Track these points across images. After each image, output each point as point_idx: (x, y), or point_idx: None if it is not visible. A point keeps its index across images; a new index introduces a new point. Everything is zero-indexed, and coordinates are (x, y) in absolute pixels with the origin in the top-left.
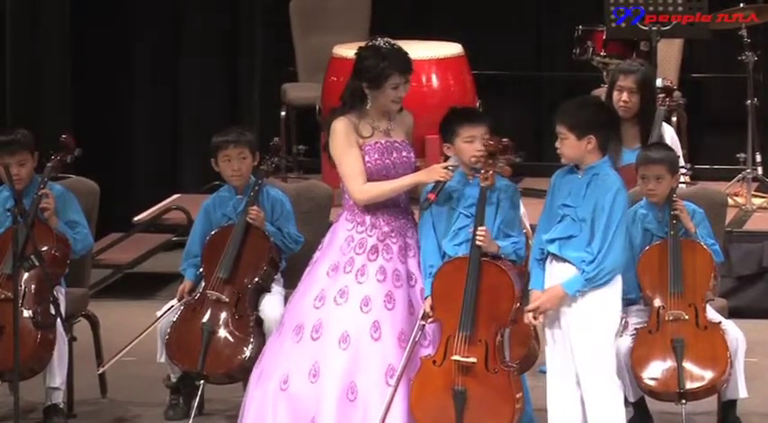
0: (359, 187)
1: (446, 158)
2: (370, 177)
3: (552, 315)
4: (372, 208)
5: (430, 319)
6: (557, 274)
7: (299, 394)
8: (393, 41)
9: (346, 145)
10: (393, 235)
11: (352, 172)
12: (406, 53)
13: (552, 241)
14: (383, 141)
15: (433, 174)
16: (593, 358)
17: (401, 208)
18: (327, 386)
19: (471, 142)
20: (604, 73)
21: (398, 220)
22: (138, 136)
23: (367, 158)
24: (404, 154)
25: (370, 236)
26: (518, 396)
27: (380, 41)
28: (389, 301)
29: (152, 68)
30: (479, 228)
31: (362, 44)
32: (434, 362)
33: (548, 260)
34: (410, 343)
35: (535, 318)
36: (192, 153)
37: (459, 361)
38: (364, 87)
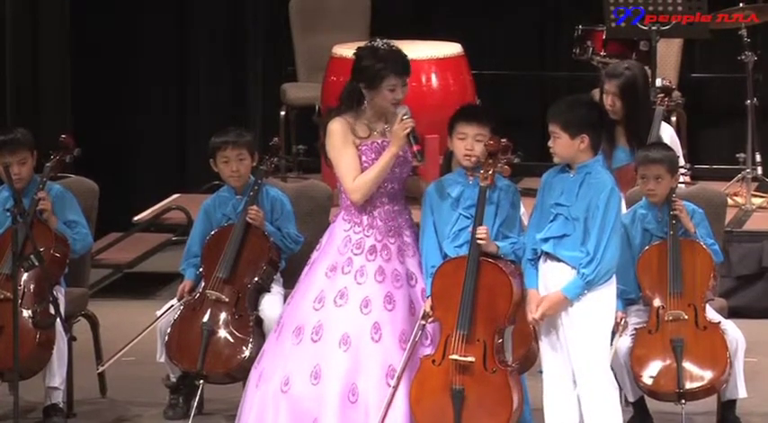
0: (351, 185)
1: (447, 156)
2: None
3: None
4: (369, 208)
5: (430, 319)
6: (551, 274)
7: (300, 396)
8: (392, 43)
9: (342, 145)
10: (391, 235)
11: (347, 172)
12: (405, 55)
13: (546, 240)
14: (379, 141)
15: (399, 133)
16: (589, 357)
17: (398, 208)
18: (329, 388)
19: (462, 139)
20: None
21: (396, 220)
22: (138, 136)
23: (364, 158)
24: (399, 153)
25: (368, 236)
26: (516, 396)
27: (379, 42)
28: (389, 302)
29: (151, 69)
30: (479, 227)
31: (361, 45)
32: (433, 361)
33: (541, 259)
34: (410, 343)
35: (537, 323)
36: (193, 153)
37: (457, 360)
38: (361, 88)
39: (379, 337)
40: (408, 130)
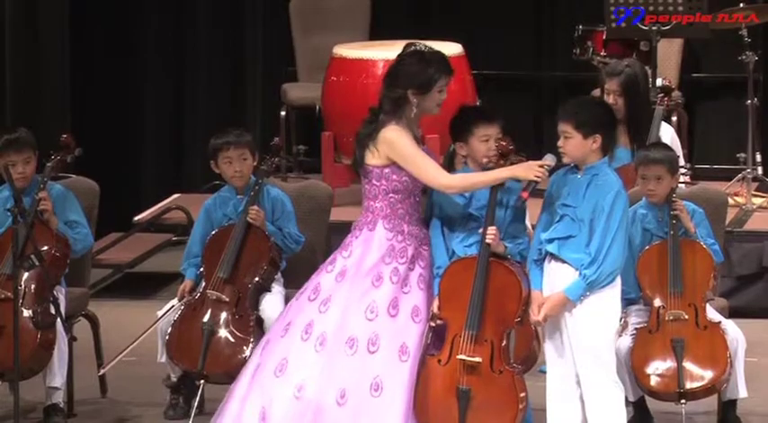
0: (448, 179)
1: (448, 155)
2: (414, 185)
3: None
4: (407, 217)
5: (438, 320)
6: (555, 274)
7: (359, 408)
8: (430, 45)
9: (415, 147)
10: (424, 243)
11: (432, 168)
12: (446, 56)
13: (551, 241)
14: (422, 147)
15: (530, 172)
16: (595, 359)
17: (422, 217)
18: (395, 399)
19: (486, 141)
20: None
21: (423, 230)
22: (138, 136)
23: None
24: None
25: (409, 245)
26: (522, 397)
27: (420, 46)
28: (429, 311)
29: (152, 69)
30: (490, 227)
31: (403, 51)
32: (439, 361)
33: (546, 260)
34: (422, 344)
35: (540, 324)
36: (193, 153)
37: (464, 360)
38: (410, 94)
39: (422, 344)
40: (536, 178)
